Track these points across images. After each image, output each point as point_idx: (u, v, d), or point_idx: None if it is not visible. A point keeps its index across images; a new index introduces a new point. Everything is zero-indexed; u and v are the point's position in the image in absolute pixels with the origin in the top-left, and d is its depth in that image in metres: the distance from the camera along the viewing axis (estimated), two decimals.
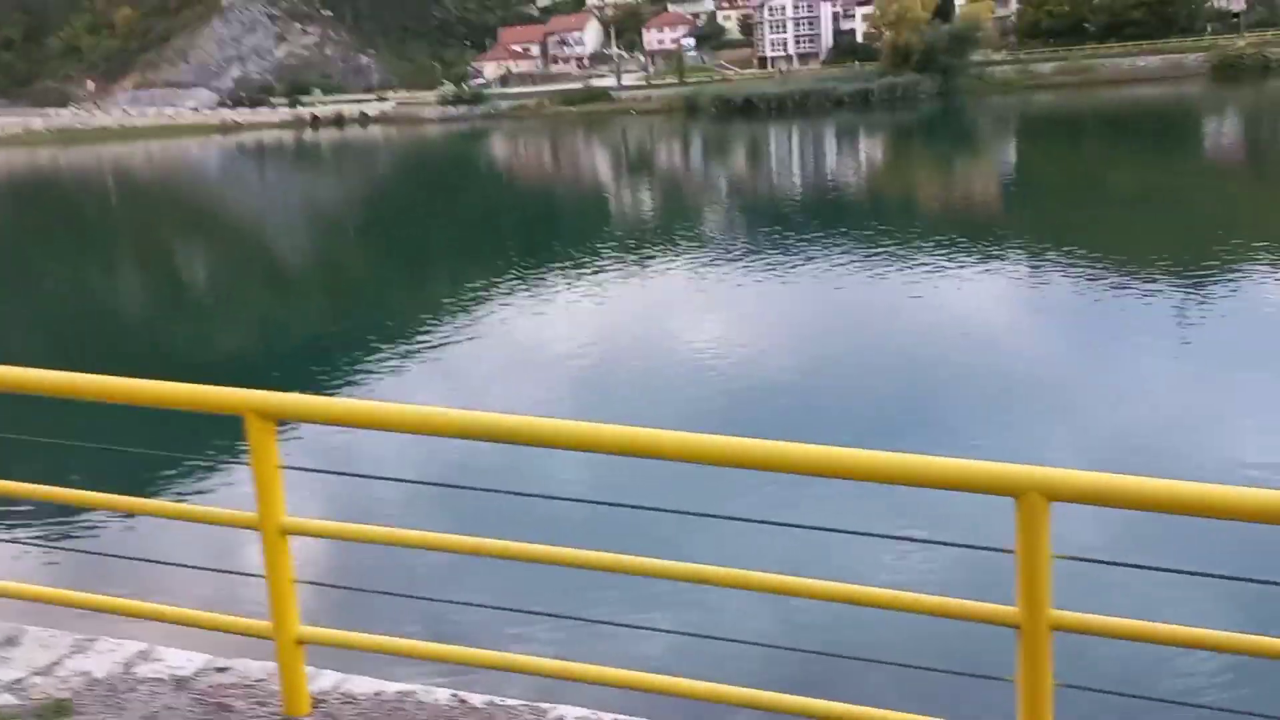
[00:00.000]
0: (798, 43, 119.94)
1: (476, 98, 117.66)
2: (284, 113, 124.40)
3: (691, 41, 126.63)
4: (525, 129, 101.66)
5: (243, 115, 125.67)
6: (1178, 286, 23.04)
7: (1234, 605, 7.71)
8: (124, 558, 7.76)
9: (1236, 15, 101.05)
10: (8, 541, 10.55)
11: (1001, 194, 44.84)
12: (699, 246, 33.54)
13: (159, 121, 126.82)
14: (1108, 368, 17.41)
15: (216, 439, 13.44)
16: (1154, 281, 23.50)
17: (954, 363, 18.11)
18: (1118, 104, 79.54)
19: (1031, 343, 19.76)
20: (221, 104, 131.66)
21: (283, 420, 3.15)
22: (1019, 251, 28.89)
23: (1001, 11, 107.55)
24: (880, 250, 29.61)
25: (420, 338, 22.77)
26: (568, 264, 31.09)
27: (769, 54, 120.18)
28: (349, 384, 19.10)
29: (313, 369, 20.74)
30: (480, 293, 27.61)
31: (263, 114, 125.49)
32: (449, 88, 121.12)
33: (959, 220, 36.11)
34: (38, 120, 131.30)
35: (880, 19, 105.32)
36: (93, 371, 3.48)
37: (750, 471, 2.72)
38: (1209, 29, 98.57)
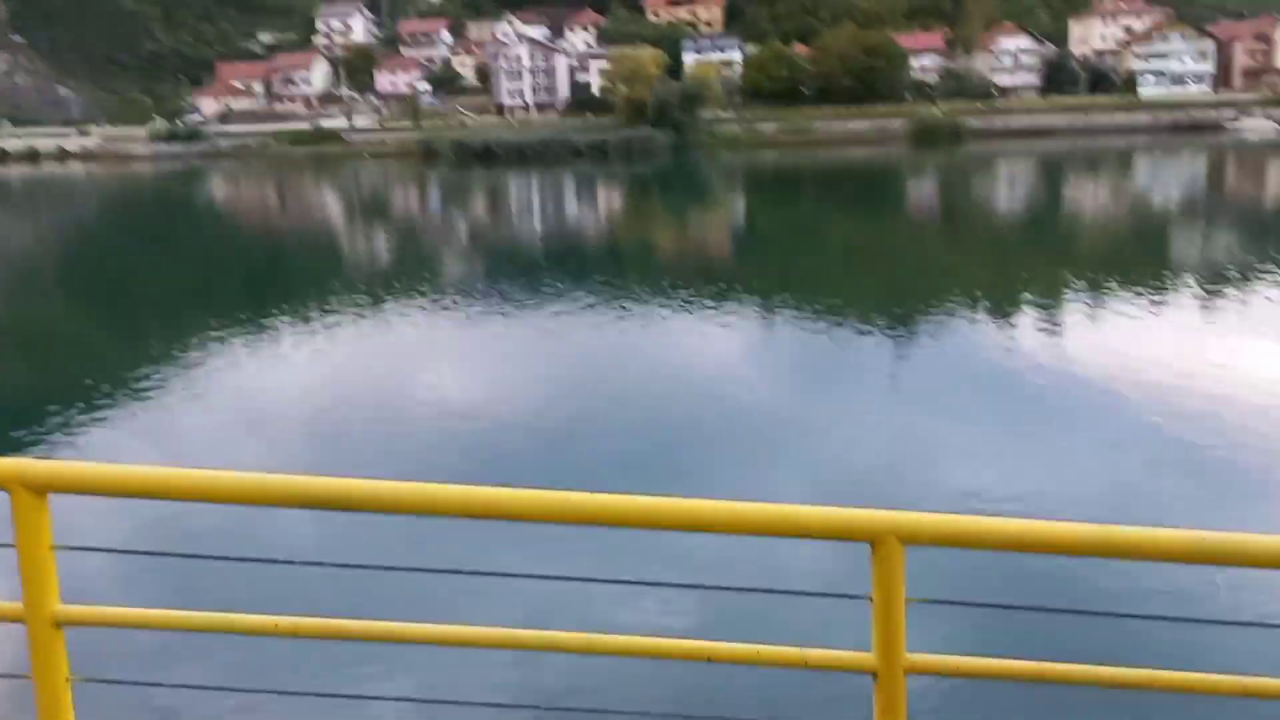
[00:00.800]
0: (535, 92, 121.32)
1: (193, 135, 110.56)
2: None
3: (427, 86, 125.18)
4: (248, 169, 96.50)
5: None
6: (885, 330, 24.63)
7: (1079, 637, 7.80)
8: None
9: (932, 86, 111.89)
10: None
11: (731, 244, 46.73)
12: (436, 294, 32.53)
13: None
14: (827, 405, 18.13)
15: None
16: (866, 325, 25.00)
17: (686, 404, 18.28)
18: (832, 163, 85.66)
19: (760, 384, 20.28)
20: None
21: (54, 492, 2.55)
22: (748, 298, 29.93)
23: (727, 73, 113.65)
24: (618, 297, 29.80)
25: (130, 395, 20.43)
26: (296, 313, 29.17)
27: (506, 102, 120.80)
28: (47, 445, 16.68)
29: (8, 433, 17.98)
30: (199, 345, 25.26)
31: None
32: (162, 124, 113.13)
33: (692, 268, 37.15)
34: None
35: (615, 74, 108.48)
36: None
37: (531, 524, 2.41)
38: (909, 97, 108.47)
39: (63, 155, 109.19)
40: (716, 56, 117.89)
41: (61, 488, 2.57)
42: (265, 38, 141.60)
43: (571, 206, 66.76)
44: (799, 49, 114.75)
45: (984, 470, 14.54)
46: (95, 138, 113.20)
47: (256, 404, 19.66)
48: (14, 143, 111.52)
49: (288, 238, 54.22)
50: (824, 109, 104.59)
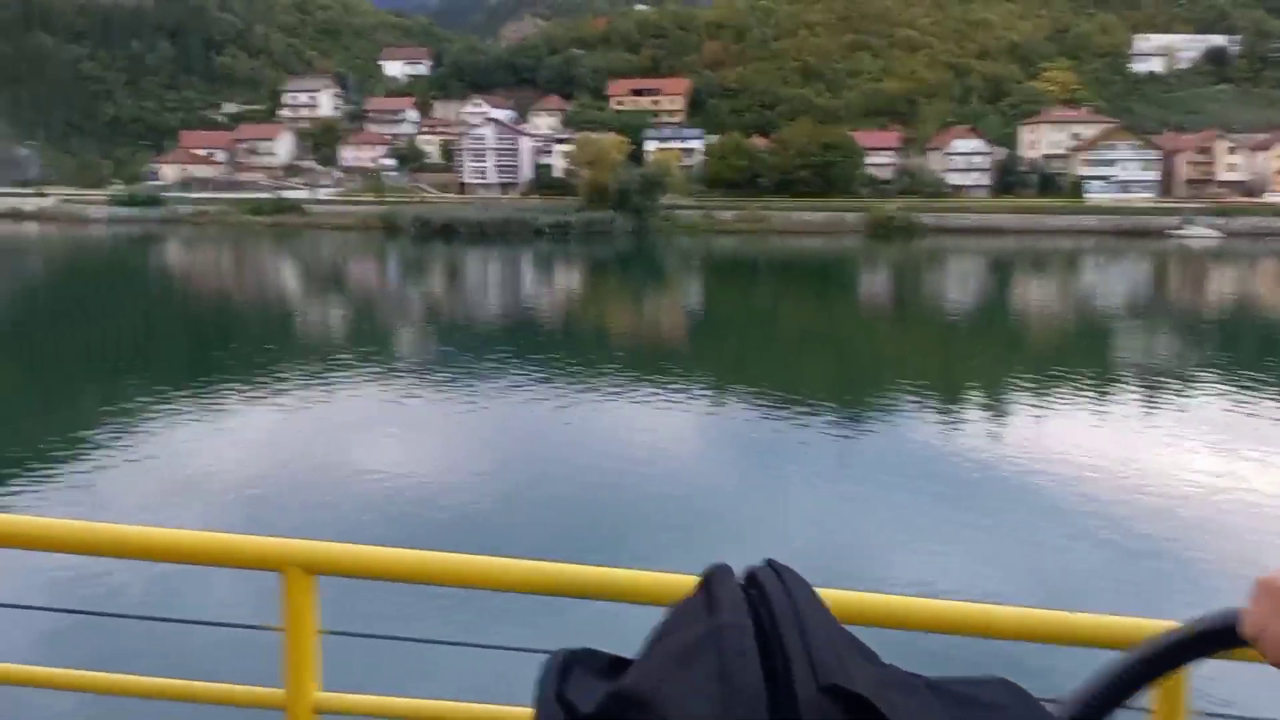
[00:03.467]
0: (498, 171, 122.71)
1: (152, 200, 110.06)
2: None
3: (392, 161, 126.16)
4: (206, 237, 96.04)
5: None
6: (832, 415, 24.78)
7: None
8: None
9: (886, 182, 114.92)
10: None
11: (686, 327, 47.05)
12: (387, 366, 32.29)
13: None
14: (768, 485, 18.13)
15: None
16: (813, 410, 25.12)
17: (629, 480, 18.21)
18: (787, 252, 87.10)
19: (704, 464, 20.24)
20: None
21: (323, 574, 2.43)
22: (701, 381, 30.03)
23: (687, 161, 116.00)
24: (571, 375, 29.78)
25: (63, 459, 19.86)
26: (244, 382, 28.74)
27: (469, 180, 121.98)
28: None
29: None
30: (140, 411, 24.74)
31: None
32: (120, 188, 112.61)
33: (647, 349, 37.29)
34: None
35: (578, 157, 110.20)
36: None
37: None
38: (864, 192, 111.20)
39: (17, 215, 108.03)
40: (678, 145, 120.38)
41: (331, 570, 2.47)
42: (230, 108, 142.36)
43: (529, 285, 67.04)
44: (758, 141, 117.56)
45: (913, 553, 14.60)
46: (51, 199, 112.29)
47: (190, 468, 19.21)
48: None
49: (240, 305, 53.76)
50: (781, 200, 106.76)
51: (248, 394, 27.02)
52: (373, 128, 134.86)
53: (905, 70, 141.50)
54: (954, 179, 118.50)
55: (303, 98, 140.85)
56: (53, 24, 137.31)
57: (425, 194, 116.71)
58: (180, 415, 24.42)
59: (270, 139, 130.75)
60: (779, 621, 0.62)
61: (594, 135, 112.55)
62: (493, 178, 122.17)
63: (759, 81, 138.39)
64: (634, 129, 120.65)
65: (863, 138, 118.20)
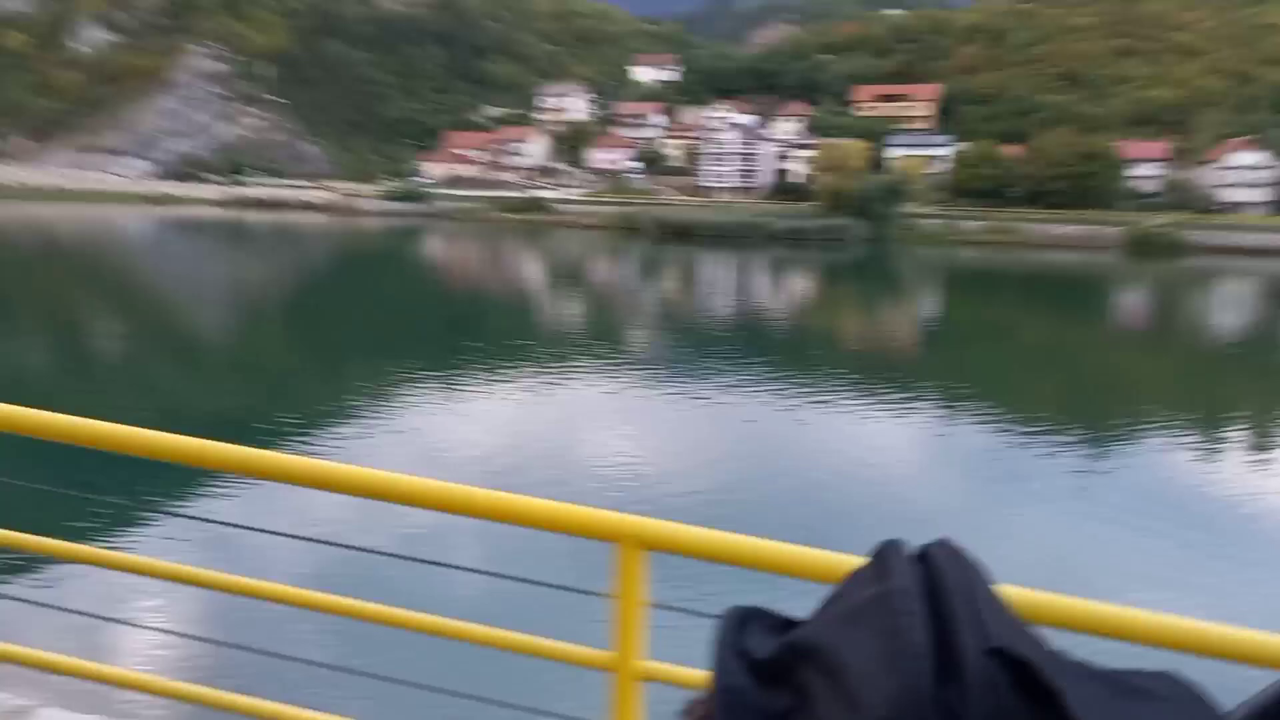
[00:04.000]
0: (738, 176, 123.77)
1: (418, 196, 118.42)
2: (221, 190, 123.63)
3: (636, 164, 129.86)
4: (463, 231, 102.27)
5: (178, 189, 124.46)
6: (1069, 436, 23.66)
7: None
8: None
9: (1151, 195, 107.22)
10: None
11: (919, 337, 46.00)
12: (621, 362, 33.58)
13: (91, 186, 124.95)
14: (999, 508, 17.62)
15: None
16: (1052, 433, 24.06)
17: (856, 493, 18.15)
18: (1035, 266, 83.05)
19: (926, 477, 19.91)
20: (156, 175, 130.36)
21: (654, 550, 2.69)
22: (929, 392, 29.43)
23: (933, 169, 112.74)
24: (797, 378, 29.96)
25: (323, 429, 22.13)
26: (486, 368, 30.78)
27: (709, 183, 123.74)
28: None
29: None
30: (393, 388, 27.09)
31: (199, 189, 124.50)
32: (391, 183, 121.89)
33: (877, 357, 36.84)
34: None
35: (819, 162, 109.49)
36: None
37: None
38: (1125, 205, 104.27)
39: (302, 206, 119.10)
40: (924, 151, 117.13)
41: (664, 547, 2.62)
42: (492, 110, 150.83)
43: (762, 288, 67.41)
44: (1011, 149, 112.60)
45: (1152, 598, 13.84)
46: (331, 192, 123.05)
47: (431, 443, 20.90)
48: (264, 191, 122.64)
49: (488, 297, 57.19)
50: (1033, 211, 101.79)
51: (487, 376, 28.92)
52: (620, 131, 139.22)
53: (1179, 77, 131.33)
54: (1229, 194, 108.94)
55: (557, 101, 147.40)
56: (342, 32, 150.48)
57: (666, 196, 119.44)
58: (430, 395, 26.52)
59: (525, 141, 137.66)
60: (948, 590, 0.63)
61: (836, 141, 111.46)
62: (732, 182, 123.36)
63: (1015, 87, 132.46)
64: (878, 135, 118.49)
65: (1126, 148, 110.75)
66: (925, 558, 0.68)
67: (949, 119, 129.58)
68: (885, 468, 20.24)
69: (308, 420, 22.85)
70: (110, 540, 12.79)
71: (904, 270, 79.52)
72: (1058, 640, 0.65)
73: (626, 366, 32.62)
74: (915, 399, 28.11)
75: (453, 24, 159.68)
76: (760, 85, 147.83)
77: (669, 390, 28.42)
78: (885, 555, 0.68)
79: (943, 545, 0.69)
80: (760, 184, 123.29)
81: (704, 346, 38.33)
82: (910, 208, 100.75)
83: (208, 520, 11.63)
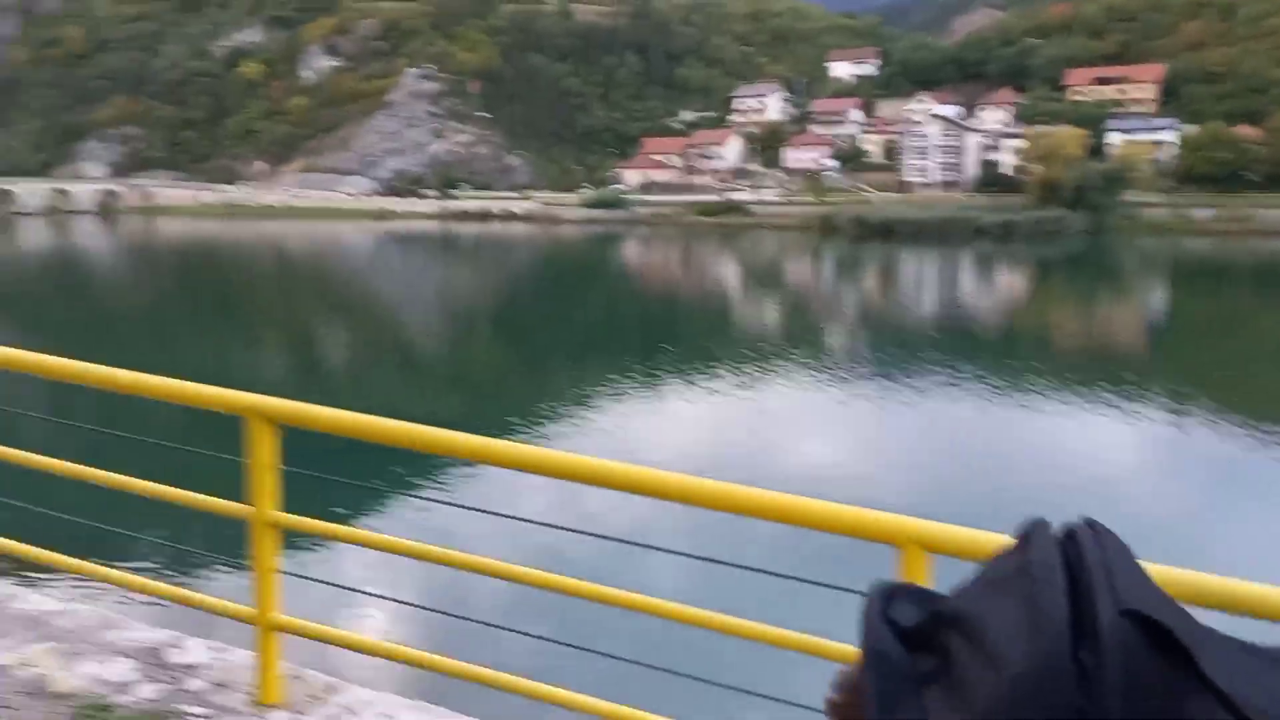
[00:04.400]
0: (941, 169, 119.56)
1: (615, 202, 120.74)
2: (434, 204, 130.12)
3: (833, 162, 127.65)
4: (660, 235, 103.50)
5: (396, 204, 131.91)
6: None
7: None
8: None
9: None
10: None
11: (1144, 336, 42.97)
12: (819, 365, 32.97)
13: (318, 204, 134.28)
14: (1235, 512, 16.10)
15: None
16: None
17: (1076, 504, 17.01)
18: (1274, 255, 76.05)
19: (1157, 488, 18.44)
20: (377, 192, 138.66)
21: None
22: (1157, 395, 27.34)
23: (1157, 154, 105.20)
24: (1009, 382, 28.51)
25: (531, 428, 22.77)
26: (685, 370, 30.90)
27: (910, 179, 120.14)
28: None
29: None
30: (595, 391, 27.61)
31: (414, 204, 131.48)
32: (590, 191, 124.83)
33: (1098, 361, 34.58)
34: (208, 195, 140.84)
35: (1030, 152, 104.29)
36: None
37: None
38: None
39: (507, 216, 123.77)
40: (1146, 137, 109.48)
41: (945, 550, 2.68)
42: (686, 115, 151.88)
43: (968, 285, 64.79)
44: (1246, 130, 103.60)
45: None
46: (534, 202, 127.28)
47: (631, 444, 21.09)
48: (471, 203, 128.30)
49: (685, 300, 57.54)
50: (1271, 196, 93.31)
51: (685, 380, 28.98)
52: (816, 129, 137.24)
53: None
54: None
55: (752, 102, 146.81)
56: (544, 45, 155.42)
57: (864, 193, 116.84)
58: (626, 394, 26.84)
59: (720, 144, 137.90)
60: (1088, 562, 0.65)
61: (1048, 129, 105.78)
62: (935, 176, 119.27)
63: (1248, 64, 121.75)
64: (1095, 120, 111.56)
65: None
66: (1069, 534, 0.70)
67: (1173, 100, 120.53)
68: (1115, 474, 18.91)
69: (518, 418, 23.57)
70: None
71: (1125, 263, 74.55)
72: (1212, 620, 0.66)
73: (822, 369, 31.98)
74: (1142, 400, 26.19)
75: (648, 31, 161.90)
76: (964, 74, 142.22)
77: (865, 392, 27.64)
78: (1029, 532, 0.71)
79: (1087, 523, 0.71)
80: (965, 177, 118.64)
81: (904, 346, 37.12)
82: (1132, 196, 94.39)
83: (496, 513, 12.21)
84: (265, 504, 3.50)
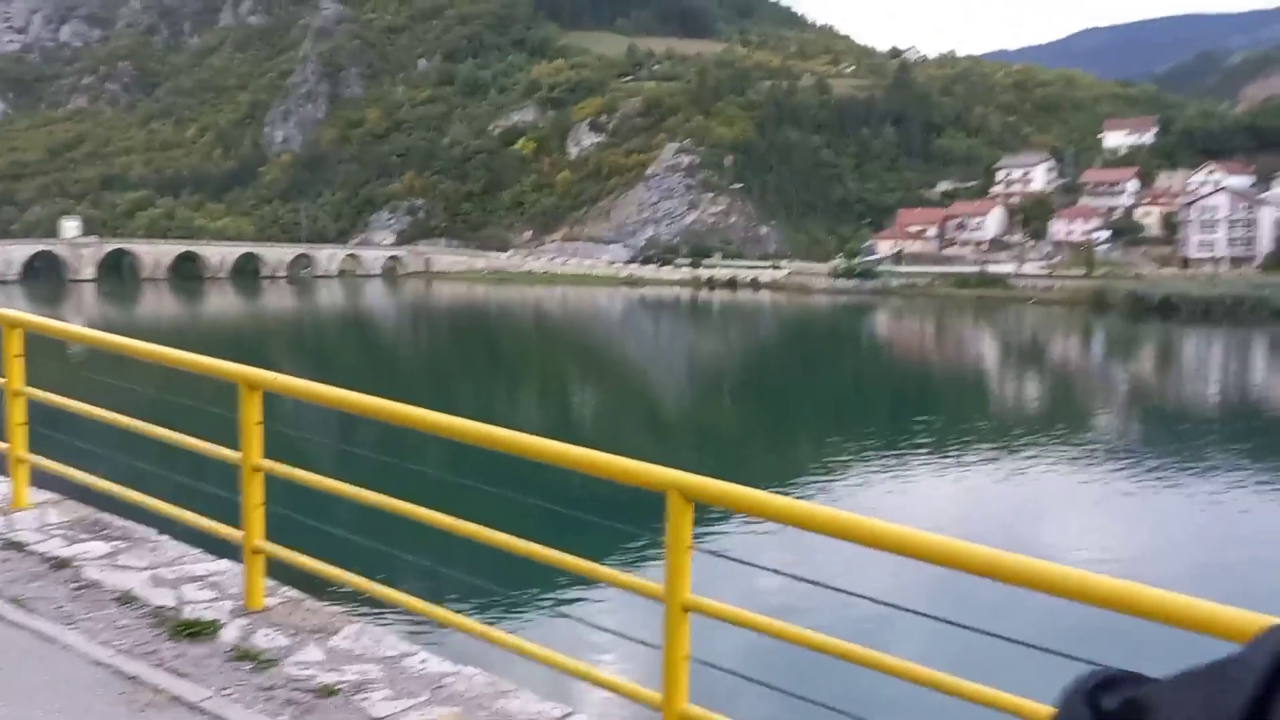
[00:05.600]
0: (1230, 244, 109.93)
1: (866, 273, 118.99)
2: (684, 272, 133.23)
3: (1105, 235, 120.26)
4: (913, 307, 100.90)
5: (648, 271, 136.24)
6: None
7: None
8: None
9: None
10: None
11: None
12: (1083, 448, 30.83)
13: (576, 271, 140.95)
14: None
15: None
16: None
17: None
18: None
19: None
20: (632, 260, 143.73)
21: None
22: None
23: None
24: None
25: (775, 489, 22.58)
26: (934, 446, 29.76)
27: (1194, 254, 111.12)
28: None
29: None
30: (840, 461, 27.09)
31: (665, 272, 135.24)
32: (840, 261, 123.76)
33: None
34: (480, 261, 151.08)
35: None
36: None
37: None
38: None
39: (756, 285, 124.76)
40: None
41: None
42: (944, 186, 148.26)
43: (1262, 371, 58.80)
44: None
45: None
46: (784, 271, 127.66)
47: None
48: (721, 271, 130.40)
49: (938, 372, 55.59)
50: None
51: (936, 456, 27.87)
52: (1087, 200, 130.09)
53: None
54: None
55: (1016, 173, 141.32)
56: (799, 119, 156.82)
57: (1140, 268, 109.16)
58: (874, 466, 26.10)
59: (980, 215, 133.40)
60: None
61: None
62: (1223, 250, 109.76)
63: None
64: None
65: None
66: None
67: None
68: None
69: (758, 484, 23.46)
70: None
71: None
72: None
73: (1087, 453, 29.84)
74: None
75: (906, 102, 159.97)
76: (1258, 143, 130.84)
77: (1134, 481, 25.50)
78: (1259, 634, 0.68)
79: None
80: (1259, 253, 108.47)
81: (1183, 434, 34.06)
82: None
83: None
84: (680, 585, 3.33)
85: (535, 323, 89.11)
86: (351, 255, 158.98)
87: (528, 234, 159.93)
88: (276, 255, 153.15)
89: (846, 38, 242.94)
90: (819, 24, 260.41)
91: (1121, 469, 27.33)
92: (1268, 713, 0.60)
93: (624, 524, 13.83)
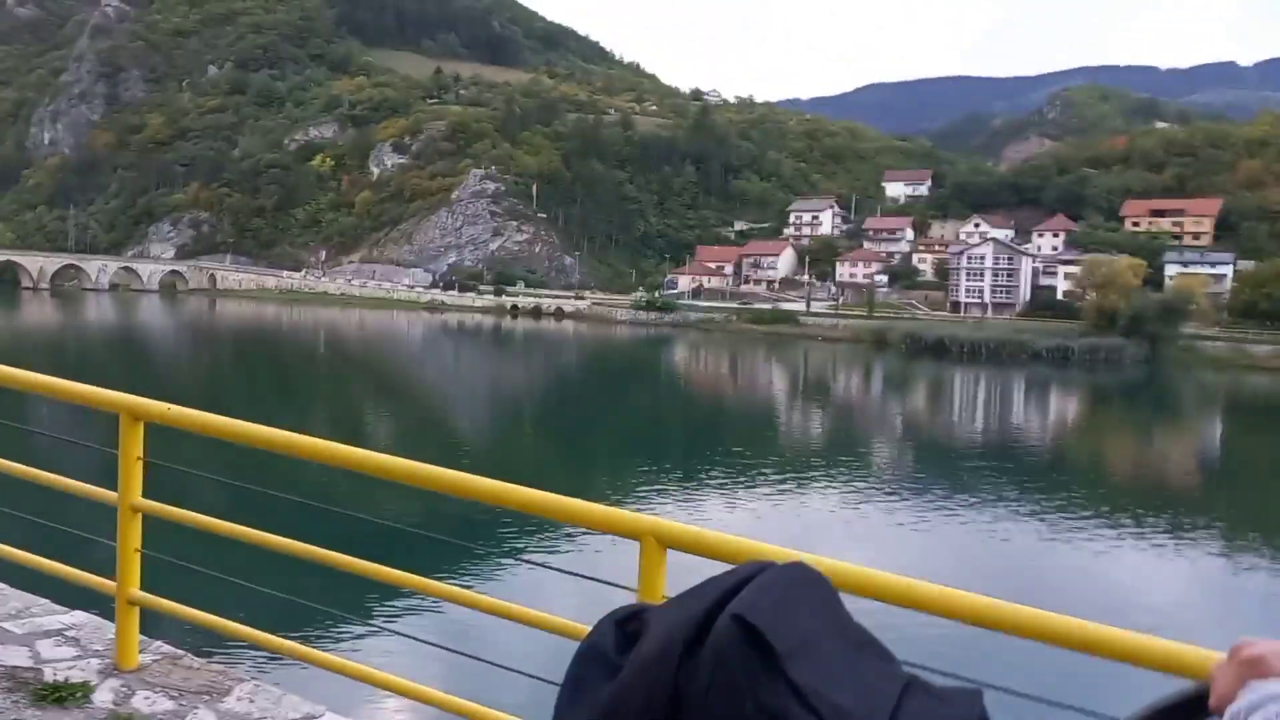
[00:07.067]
0: (994, 292, 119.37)
1: (666, 306, 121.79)
2: (488, 299, 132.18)
3: (885, 278, 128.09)
4: (710, 341, 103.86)
5: (450, 297, 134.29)
6: None
7: None
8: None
9: None
10: None
11: (1199, 472, 41.79)
12: (861, 477, 32.43)
13: (375, 294, 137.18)
14: None
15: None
16: None
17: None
18: None
19: (1210, 622, 17.61)
20: (433, 285, 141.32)
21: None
22: (1209, 534, 26.41)
23: (1214, 288, 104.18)
24: (1054, 509, 27.73)
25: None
26: (725, 476, 30.54)
27: (963, 299, 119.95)
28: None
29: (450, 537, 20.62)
30: (633, 490, 27.31)
31: (468, 298, 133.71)
32: (642, 294, 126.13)
33: (1149, 491, 33.65)
34: (271, 280, 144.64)
35: (1087, 279, 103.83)
36: None
37: None
38: None
39: (560, 314, 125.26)
40: (1203, 270, 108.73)
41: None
42: (740, 225, 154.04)
43: (1021, 408, 63.83)
44: None
45: None
46: (587, 301, 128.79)
47: None
48: (525, 300, 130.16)
49: (729, 405, 57.30)
50: None
51: (722, 482, 28.60)
52: (869, 245, 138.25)
53: None
54: None
55: (806, 216, 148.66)
56: (604, 152, 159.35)
57: (916, 310, 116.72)
58: (667, 493, 26.46)
59: (774, 255, 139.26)
60: (756, 585, 0.73)
61: (1106, 256, 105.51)
62: (988, 297, 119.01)
63: None
64: (1149, 252, 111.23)
65: None
66: (769, 565, 0.77)
67: (1229, 235, 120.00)
68: (1162, 610, 18.12)
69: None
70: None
71: (1183, 396, 73.16)
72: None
73: (864, 482, 31.42)
74: (1193, 538, 25.30)
75: (706, 144, 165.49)
76: (1017, 200, 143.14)
77: (908, 508, 27.04)
78: (746, 563, 0.80)
79: (797, 563, 0.76)
80: (1018, 300, 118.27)
81: (951, 466, 36.44)
82: (1191, 329, 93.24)
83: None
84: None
85: (329, 347, 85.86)
86: (127, 268, 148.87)
87: (323, 254, 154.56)
88: (39, 265, 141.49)
89: (652, 76, 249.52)
90: (625, 60, 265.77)
91: (895, 495, 28.89)
92: (714, 617, 0.70)
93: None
